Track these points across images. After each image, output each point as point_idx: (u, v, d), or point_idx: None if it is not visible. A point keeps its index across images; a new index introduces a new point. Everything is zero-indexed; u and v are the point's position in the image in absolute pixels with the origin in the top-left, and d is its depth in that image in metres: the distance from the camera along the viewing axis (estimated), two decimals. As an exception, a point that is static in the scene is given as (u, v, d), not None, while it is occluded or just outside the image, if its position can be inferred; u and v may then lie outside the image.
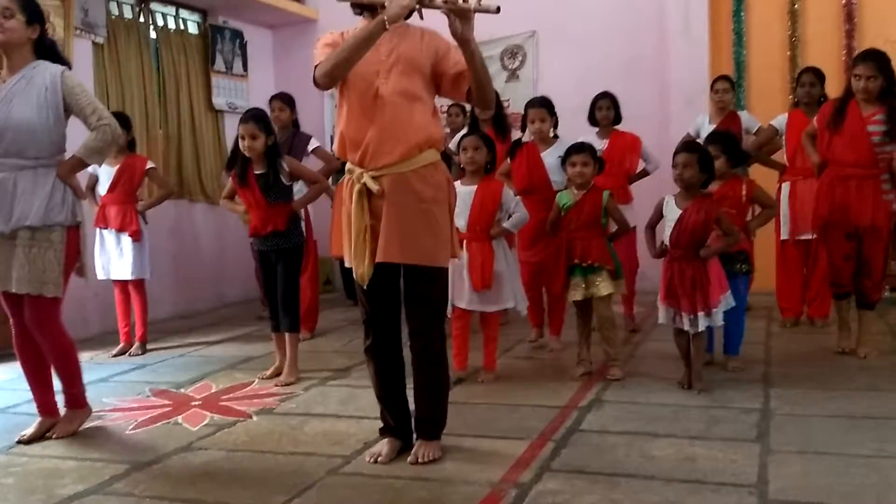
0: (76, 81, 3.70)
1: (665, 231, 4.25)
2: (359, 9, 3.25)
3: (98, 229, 5.59)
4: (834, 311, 5.20)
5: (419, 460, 3.28)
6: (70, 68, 3.82)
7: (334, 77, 3.12)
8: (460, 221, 4.28)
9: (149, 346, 5.83)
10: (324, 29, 8.53)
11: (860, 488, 2.86)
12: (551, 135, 5.25)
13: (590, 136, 5.64)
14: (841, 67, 7.13)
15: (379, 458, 3.32)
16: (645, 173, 5.97)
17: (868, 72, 4.62)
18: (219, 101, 8.00)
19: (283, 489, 3.03)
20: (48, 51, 3.73)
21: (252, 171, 4.65)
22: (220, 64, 8.04)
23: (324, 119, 8.74)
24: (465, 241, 4.38)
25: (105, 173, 5.58)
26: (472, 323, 4.76)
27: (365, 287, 3.26)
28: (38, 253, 3.60)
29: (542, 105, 5.20)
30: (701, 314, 4.12)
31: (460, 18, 3.00)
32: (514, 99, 7.90)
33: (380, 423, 3.49)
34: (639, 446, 3.39)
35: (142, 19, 7.26)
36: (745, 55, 7.54)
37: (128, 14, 7.11)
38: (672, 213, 4.21)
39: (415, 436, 3.40)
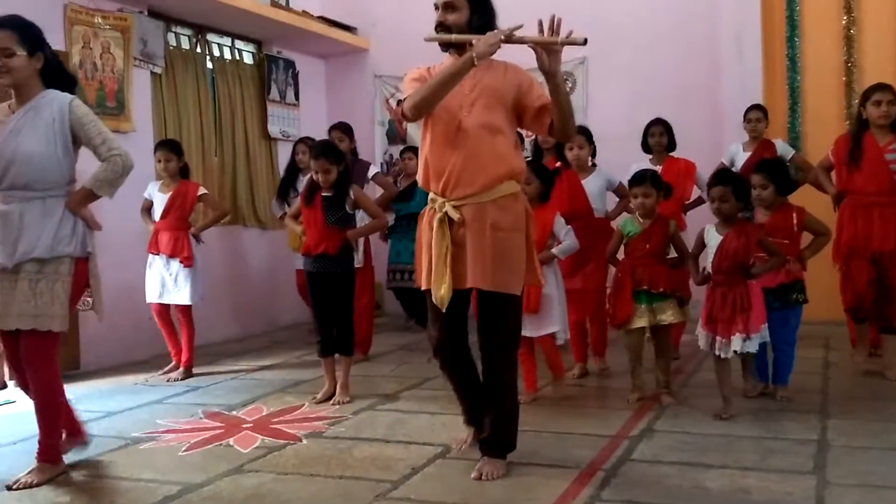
0: (85, 111, 3.56)
1: (707, 258, 4.26)
2: (446, 46, 3.38)
3: (150, 255, 5.69)
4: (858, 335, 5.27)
5: (483, 477, 3.33)
6: (76, 83, 3.71)
7: (422, 110, 3.26)
8: None
9: (202, 370, 5.90)
10: (375, 59, 8.82)
11: (922, 524, 2.77)
12: (590, 163, 5.27)
13: (643, 163, 5.62)
14: (899, 93, 6.99)
15: (463, 447, 3.56)
16: (701, 201, 5.91)
17: (888, 97, 4.81)
18: (273, 129, 8.14)
19: (332, 513, 3.04)
20: (55, 74, 3.60)
21: (321, 192, 4.81)
22: (274, 93, 8.20)
23: (374, 147, 8.84)
24: None
25: (158, 200, 5.70)
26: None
27: (444, 311, 3.34)
28: (45, 286, 3.44)
29: (581, 132, 5.23)
30: (738, 336, 4.09)
31: (547, 53, 3.08)
32: (565, 126, 7.88)
33: (431, 448, 3.60)
34: (691, 477, 3.33)
35: (199, 50, 7.43)
36: (800, 81, 7.44)
37: (185, 45, 7.30)
38: (713, 240, 4.24)
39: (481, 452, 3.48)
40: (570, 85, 8.01)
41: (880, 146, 4.83)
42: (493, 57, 3.25)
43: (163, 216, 5.65)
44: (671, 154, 5.83)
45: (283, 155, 7.95)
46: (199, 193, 5.78)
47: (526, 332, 4.51)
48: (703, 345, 4.27)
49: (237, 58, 7.87)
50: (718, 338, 4.16)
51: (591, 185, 5.21)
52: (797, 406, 4.40)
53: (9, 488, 3.42)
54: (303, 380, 5.50)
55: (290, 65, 8.45)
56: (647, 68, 7.64)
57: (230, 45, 7.82)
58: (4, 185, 3.49)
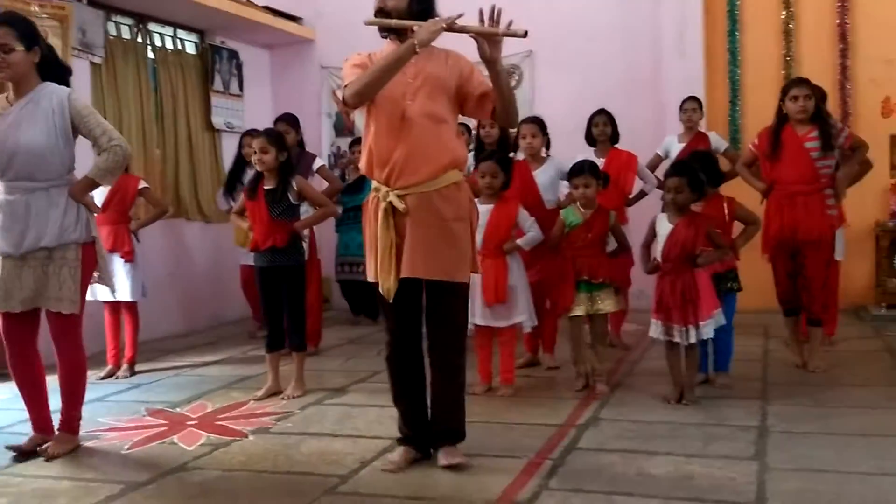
0: (83, 103, 3.76)
1: (657, 247, 4.33)
2: (385, 32, 3.36)
3: None
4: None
5: (451, 463, 3.37)
6: (71, 73, 3.91)
7: (363, 97, 3.24)
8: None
9: (146, 367, 5.80)
10: (321, 50, 8.75)
11: (858, 506, 2.86)
12: (543, 154, 5.30)
13: (588, 155, 5.66)
14: (835, 87, 7.17)
15: (392, 467, 3.39)
16: (643, 194, 5.99)
17: (804, 92, 4.97)
18: (217, 120, 8.02)
19: (280, 508, 3.02)
20: (50, 67, 3.75)
21: (263, 185, 4.75)
22: (218, 84, 8.07)
23: (321, 139, 8.77)
24: (479, 258, 4.47)
25: (97, 193, 5.51)
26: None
27: (390, 301, 3.33)
28: (53, 271, 3.66)
29: (534, 122, 5.28)
30: (691, 327, 4.19)
31: (488, 42, 3.10)
32: (511, 118, 7.91)
33: (380, 441, 3.55)
34: (636, 464, 3.39)
35: (140, 39, 7.27)
36: (740, 75, 7.59)
37: (126, 34, 7.13)
38: (664, 228, 4.31)
39: (435, 446, 3.48)
40: (516, 77, 8.04)
41: (799, 136, 4.95)
42: (434, 44, 3.24)
43: (102, 209, 5.48)
44: (615, 146, 5.89)
45: (228, 147, 7.85)
46: (140, 187, 5.65)
47: (489, 321, 4.59)
48: (656, 333, 4.33)
49: (179, 48, 7.72)
50: (676, 325, 4.23)
51: (542, 176, 5.22)
52: (738, 393, 4.50)
53: (23, 454, 3.73)
54: (248, 375, 5.44)
55: (233, 55, 8.33)
56: (592, 61, 7.70)
57: (172, 34, 7.67)
58: (9, 175, 3.66)
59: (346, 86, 3.26)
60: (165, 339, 7.01)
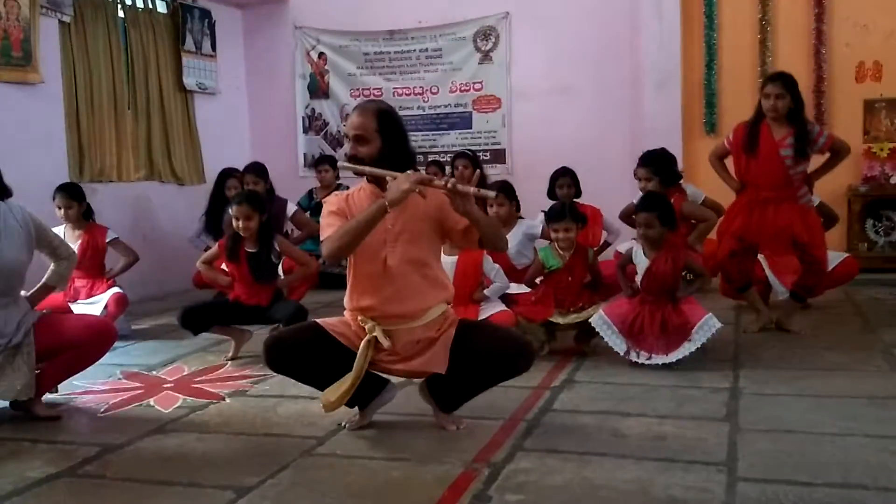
0: (39, 218, 3.84)
1: (637, 277, 4.40)
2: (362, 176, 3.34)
3: (69, 303, 5.45)
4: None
5: (458, 428, 3.43)
6: (11, 195, 3.82)
7: (341, 255, 3.24)
8: None
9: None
10: (295, 9, 8.63)
11: (826, 466, 2.91)
12: (516, 214, 5.33)
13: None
14: (810, 51, 7.21)
15: (354, 426, 3.48)
16: (606, 245, 6.02)
17: (776, 90, 4.75)
18: (189, 81, 7.91)
19: (257, 470, 3.03)
20: None
21: (244, 248, 4.74)
22: (189, 44, 7.95)
23: (295, 101, 8.71)
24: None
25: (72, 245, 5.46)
26: None
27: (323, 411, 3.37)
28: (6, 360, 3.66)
29: (501, 190, 5.16)
30: (660, 356, 4.26)
31: (460, 197, 3.08)
32: (487, 81, 7.89)
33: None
34: (610, 425, 3.43)
35: (109, -2, 7.15)
36: (717, 38, 7.58)
37: (95, -8, 7.00)
38: (641, 261, 4.36)
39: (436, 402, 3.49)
40: (493, 39, 7.99)
41: (776, 140, 4.81)
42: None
43: (76, 266, 5.38)
44: (577, 201, 5.73)
45: (200, 107, 7.77)
46: (109, 239, 5.57)
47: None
48: (619, 348, 4.35)
49: (150, 6, 7.59)
50: (642, 351, 4.29)
51: (512, 240, 5.16)
52: (711, 356, 4.54)
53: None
54: (224, 339, 5.39)
55: (206, 14, 8.19)
56: (569, 24, 7.66)
57: (142, -8, 7.54)
58: None
59: (324, 239, 3.22)
60: (140, 302, 6.96)
